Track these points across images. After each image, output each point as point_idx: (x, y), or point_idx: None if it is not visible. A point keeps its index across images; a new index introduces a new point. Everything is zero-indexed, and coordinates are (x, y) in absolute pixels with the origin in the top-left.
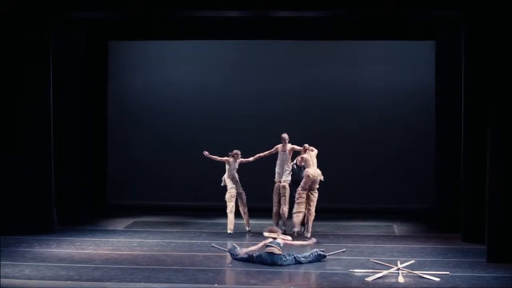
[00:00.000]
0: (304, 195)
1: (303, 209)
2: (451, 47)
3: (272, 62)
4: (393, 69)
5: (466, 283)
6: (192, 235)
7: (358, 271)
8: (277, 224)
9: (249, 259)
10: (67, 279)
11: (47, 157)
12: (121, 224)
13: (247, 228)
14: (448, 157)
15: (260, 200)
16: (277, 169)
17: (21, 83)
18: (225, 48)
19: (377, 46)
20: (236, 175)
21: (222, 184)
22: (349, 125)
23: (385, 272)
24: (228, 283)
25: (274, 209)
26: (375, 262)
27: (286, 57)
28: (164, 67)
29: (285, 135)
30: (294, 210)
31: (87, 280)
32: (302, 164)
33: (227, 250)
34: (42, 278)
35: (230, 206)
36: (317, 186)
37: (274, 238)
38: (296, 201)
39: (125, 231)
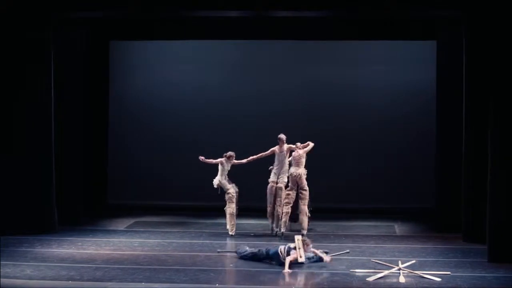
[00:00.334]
0: (291, 194)
1: (289, 209)
2: (452, 47)
3: (272, 62)
4: (393, 69)
5: (467, 283)
6: (193, 235)
7: (359, 271)
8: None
9: (256, 255)
10: (68, 279)
11: (47, 157)
12: (122, 224)
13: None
14: (448, 157)
15: (257, 200)
16: (274, 170)
17: (21, 83)
18: (225, 48)
19: (377, 46)
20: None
21: (215, 187)
22: (349, 125)
23: (386, 272)
24: (229, 283)
25: (269, 209)
26: (376, 262)
27: (286, 57)
28: (164, 67)
29: (282, 136)
30: (284, 210)
31: (88, 280)
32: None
33: (234, 251)
34: (43, 278)
35: (232, 207)
36: (305, 183)
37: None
38: (284, 201)
39: (126, 231)
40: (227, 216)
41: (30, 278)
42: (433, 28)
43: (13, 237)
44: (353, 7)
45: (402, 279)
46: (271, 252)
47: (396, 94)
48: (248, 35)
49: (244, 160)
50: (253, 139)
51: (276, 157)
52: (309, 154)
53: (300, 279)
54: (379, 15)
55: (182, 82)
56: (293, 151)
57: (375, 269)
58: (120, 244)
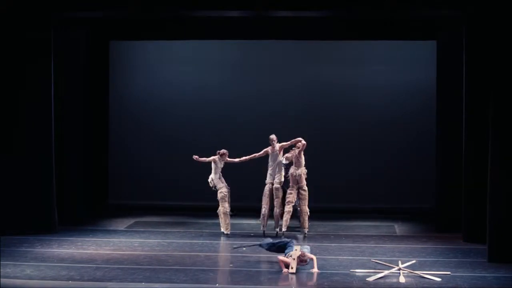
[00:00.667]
0: (293, 194)
1: (291, 208)
2: (452, 47)
3: (272, 62)
4: (394, 69)
5: (467, 283)
6: (193, 235)
7: (359, 271)
8: (264, 226)
9: (280, 246)
10: (68, 279)
11: (48, 157)
12: (122, 224)
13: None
14: (448, 157)
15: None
16: (269, 171)
17: (22, 83)
18: (225, 48)
19: (377, 46)
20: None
21: (211, 185)
22: (349, 125)
23: (386, 272)
24: (229, 283)
25: (263, 210)
26: (376, 262)
27: (286, 57)
28: (164, 67)
29: (273, 136)
30: (285, 209)
31: (88, 280)
32: (287, 162)
33: (250, 245)
34: (43, 278)
35: (225, 207)
36: (304, 183)
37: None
38: (286, 200)
39: (126, 231)
40: (221, 216)
41: (30, 278)
42: (433, 28)
43: (13, 237)
44: (353, 7)
45: (402, 279)
46: (287, 246)
47: (396, 94)
48: (248, 35)
49: (237, 160)
50: (253, 139)
51: (270, 157)
52: (309, 154)
53: (300, 279)
54: (379, 15)
55: (182, 82)
56: (287, 148)
57: (375, 269)
58: (120, 244)
